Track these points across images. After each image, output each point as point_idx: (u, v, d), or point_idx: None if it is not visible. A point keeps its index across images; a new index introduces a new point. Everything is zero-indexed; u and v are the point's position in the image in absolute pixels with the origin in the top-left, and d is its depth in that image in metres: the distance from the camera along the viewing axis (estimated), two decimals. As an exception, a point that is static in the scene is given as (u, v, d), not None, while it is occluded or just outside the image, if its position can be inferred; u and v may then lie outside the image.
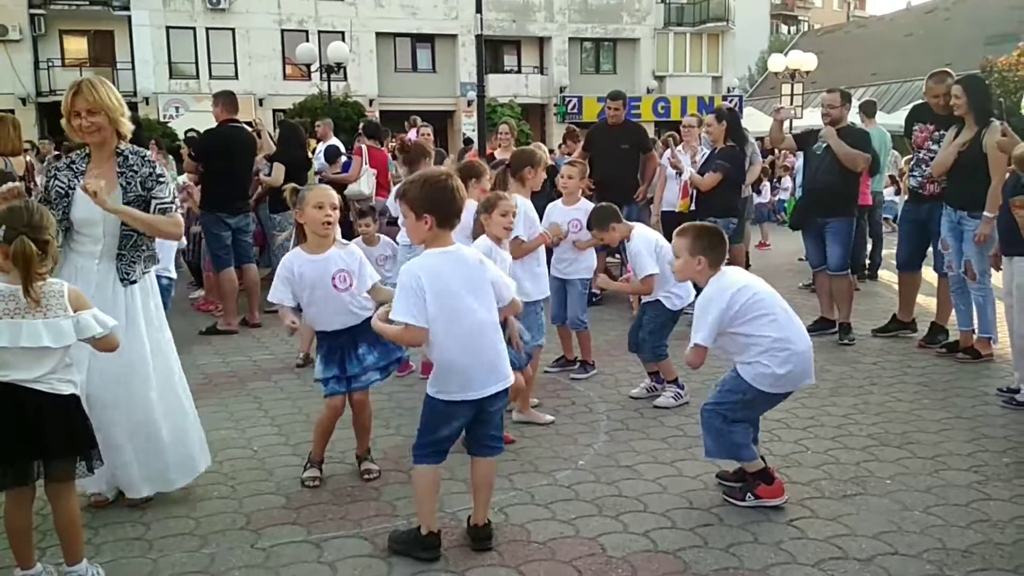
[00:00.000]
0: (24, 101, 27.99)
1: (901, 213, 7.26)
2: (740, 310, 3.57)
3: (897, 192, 13.48)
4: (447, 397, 3.15)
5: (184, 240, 8.28)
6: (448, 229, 3.18)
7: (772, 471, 3.69)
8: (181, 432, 3.84)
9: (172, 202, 3.82)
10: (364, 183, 8.71)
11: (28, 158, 7.93)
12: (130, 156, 3.75)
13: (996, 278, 5.72)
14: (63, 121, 3.67)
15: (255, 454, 4.42)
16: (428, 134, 10.07)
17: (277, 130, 9.60)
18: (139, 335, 3.70)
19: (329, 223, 3.86)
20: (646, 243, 5.20)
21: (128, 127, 3.74)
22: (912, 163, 6.61)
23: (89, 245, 3.68)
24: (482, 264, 3.23)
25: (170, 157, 11.52)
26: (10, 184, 3.66)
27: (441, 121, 29.32)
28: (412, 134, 10.89)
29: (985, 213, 5.58)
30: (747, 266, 9.31)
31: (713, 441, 3.72)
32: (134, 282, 3.72)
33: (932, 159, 6.27)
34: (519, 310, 3.56)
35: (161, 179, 3.78)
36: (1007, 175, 5.34)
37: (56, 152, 10.91)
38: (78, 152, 3.81)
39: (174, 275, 6.36)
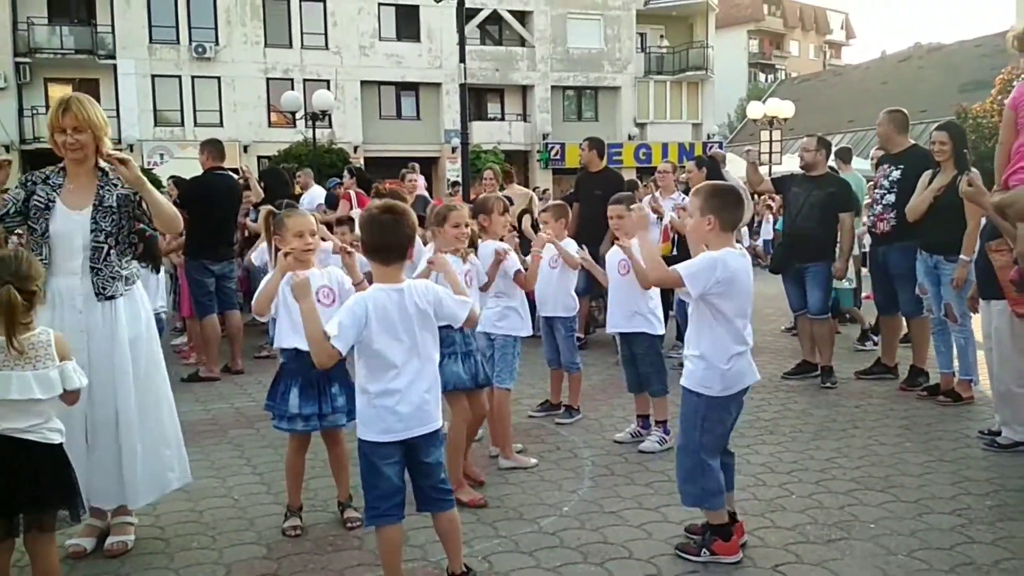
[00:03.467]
0: (8, 148, 27.95)
1: (869, 256, 7.37)
2: (730, 293, 3.43)
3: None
4: (371, 437, 3.05)
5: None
6: (383, 263, 3.07)
7: (734, 528, 3.59)
8: (153, 449, 3.82)
9: None
10: None
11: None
12: (110, 172, 3.79)
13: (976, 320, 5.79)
14: (48, 135, 3.72)
15: (236, 503, 4.36)
16: (413, 180, 10.15)
17: (261, 178, 9.68)
18: (123, 349, 3.70)
19: (310, 250, 3.91)
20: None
21: (109, 146, 3.79)
22: (870, 203, 6.77)
23: (68, 261, 3.70)
24: (431, 301, 3.12)
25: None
26: None
27: (426, 168, 29.50)
28: (420, 180, 11.01)
29: (961, 256, 5.67)
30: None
31: (687, 486, 3.58)
32: (112, 297, 3.72)
33: (882, 197, 6.48)
34: (475, 324, 3.44)
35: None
36: (983, 220, 5.43)
37: None
38: (52, 167, 3.83)
39: (167, 307, 6.45)
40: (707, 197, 3.49)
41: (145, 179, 3.69)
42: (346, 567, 3.55)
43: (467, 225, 4.40)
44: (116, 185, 3.79)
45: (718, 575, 3.41)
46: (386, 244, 3.06)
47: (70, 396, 2.95)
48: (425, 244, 4.81)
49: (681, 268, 3.44)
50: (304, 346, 3.77)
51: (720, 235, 3.47)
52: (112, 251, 3.76)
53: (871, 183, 6.83)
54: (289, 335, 3.88)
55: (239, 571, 3.53)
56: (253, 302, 3.96)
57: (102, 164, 3.80)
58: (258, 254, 5.13)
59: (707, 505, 3.56)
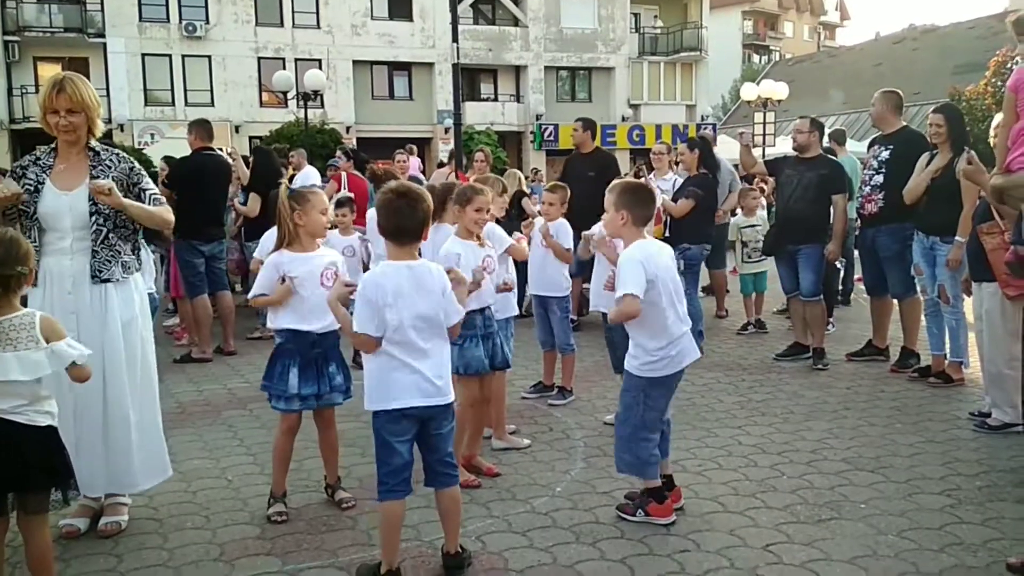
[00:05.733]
0: (-3, 127, 27.83)
1: (857, 239, 7.39)
2: (657, 284, 3.62)
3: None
4: (383, 406, 3.13)
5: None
6: (397, 244, 3.18)
7: (672, 492, 3.83)
8: (149, 437, 3.83)
9: (155, 192, 3.93)
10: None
11: None
12: (102, 153, 3.79)
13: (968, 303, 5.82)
14: (40, 116, 3.68)
15: (229, 483, 4.37)
16: (403, 161, 10.11)
17: (252, 156, 9.57)
18: (113, 334, 3.69)
19: (328, 227, 4.00)
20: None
21: (101, 127, 3.79)
22: (859, 185, 6.77)
23: (58, 242, 3.68)
24: (438, 284, 3.20)
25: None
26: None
27: (419, 148, 29.42)
28: (414, 161, 10.94)
29: (957, 238, 5.67)
30: (726, 292, 9.39)
31: (623, 454, 3.80)
32: (107, 280, 3.70)
33: (870, 178, 6.49)
34: (456, 334, 3.45)
35: (142, 173, 3.87)
36: (978, 201, 5.44)
37: None
38: (43, 148, 3.81)
39: (154, 290, 6.43)
40: (620, 193, 3.74)
41: (127, 201, 3.69)
42: (339, 547, 3.56)
43: (489, 211, 4.40)
44: (110, 167, 3.77)
45: (710, 555, 3.44)
46: (402, 227, 3.18)
47: (76, 372, 2.94)
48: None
49: (622, 287, 3.54)
50: (302, 327, 3.80)
51: (632, 229, 3.72)
52: (111, 234, 3.74)
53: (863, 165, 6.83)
54: (286, 317, 3.87)
55: (233, 551, 3.54)
56: (251, 300, 3.98)
57: (93, 144, 3.78)
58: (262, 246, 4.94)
59: (643, 474, 3.79)
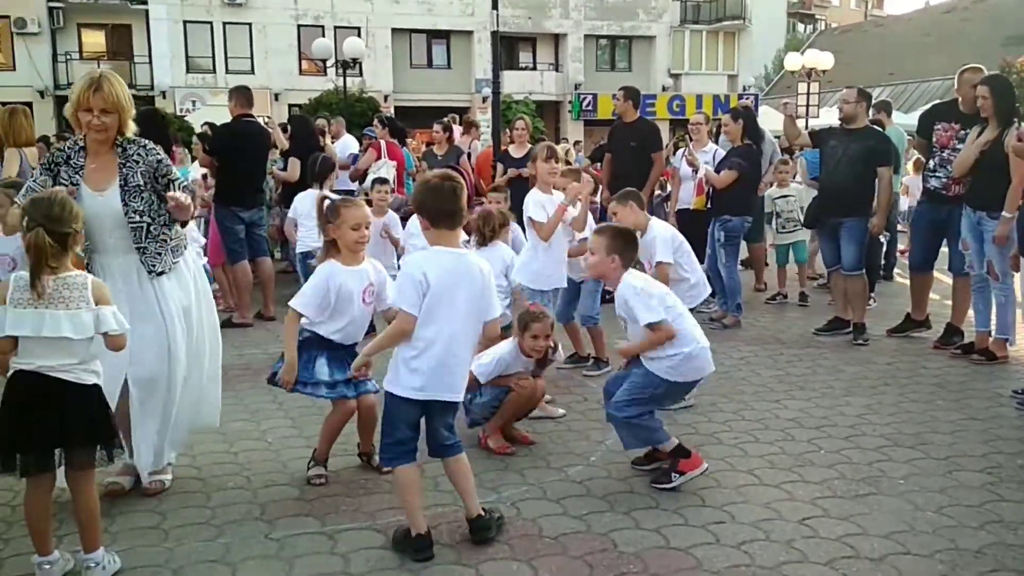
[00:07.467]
0: (42, 94, 28.22)
1: (915, 214, 7.21)
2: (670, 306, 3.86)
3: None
4: (397, 391, 3.19)
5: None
6: (444, 228, 3.22)
7: (687, 446, 3.92)
8: (186, 409, 3.89)
9: (184, 181, 3.92)
10: (385, 171, 8.82)
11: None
12: (128, 147, 3.72)
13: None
14: (70, 110, 3.62)
15: (269, 446, 4.45)
16: (439, 130, 10.09)
17: (288, 124, 9.63)
18: (174, 324, 3.72)
19: (363, 242, 3.91)
20: (665, 230, 5.34)
21: (132, 128, 3.72)
22: (935, 163, 6.44)
23: (103, 241, 3.68)
24: (483, 274, 3.26)
25: (185, 151, 11.57)
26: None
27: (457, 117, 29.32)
28: (458, 131, 10.92)
29: (1004, 213, 5.53)
30: (765, 264, 9.27)
31: (629, 435, 3.93)
32: (162, 273, 3.72)
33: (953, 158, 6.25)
34: (496, 334, 3.49)
35: (170, 165, 3.85)
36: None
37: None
38: (70, 145, 3.74)
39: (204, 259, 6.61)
40: (612, 238, 3.90)
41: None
42: (377, 510, 3.62)
43: (547, 336, 4.43)
44: (137, 162, 3.70)
45: (745, 527, 3.43)
46: (448, 209, 3.21)
47: (112, 340, 2.97)
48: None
49: (653, 317, 3.76)
50: (340, 340, 3.88)
51: (621, 271, 3.90)
52: (152, 226, 3.71)
53: (936, 141, 6.46)
54: (325, 327, 3.88)
55: (273, 511, 3.62)
56: (292, 307, 3.90)
57: (118, 139, 3.70)
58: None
59: (658, 443, 3.90)
